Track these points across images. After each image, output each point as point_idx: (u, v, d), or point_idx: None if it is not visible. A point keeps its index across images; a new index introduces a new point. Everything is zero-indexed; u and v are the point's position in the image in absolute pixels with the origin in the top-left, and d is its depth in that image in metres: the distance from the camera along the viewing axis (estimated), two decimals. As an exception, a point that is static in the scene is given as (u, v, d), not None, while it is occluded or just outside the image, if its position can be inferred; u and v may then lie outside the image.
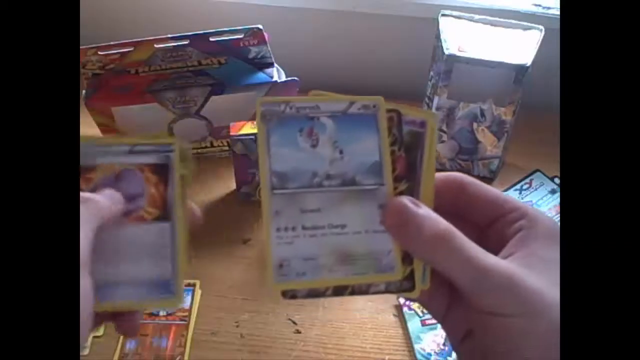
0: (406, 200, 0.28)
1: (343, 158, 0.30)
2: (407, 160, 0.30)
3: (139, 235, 0.32)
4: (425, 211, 0.28)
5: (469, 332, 0.29)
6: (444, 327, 0.31)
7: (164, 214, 0.32)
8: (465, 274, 0.27)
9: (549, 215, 0.64)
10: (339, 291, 0.29)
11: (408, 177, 0.30)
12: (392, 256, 0.29)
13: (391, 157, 0.30)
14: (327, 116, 0.30)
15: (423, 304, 0.31)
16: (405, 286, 0.29)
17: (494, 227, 0.31)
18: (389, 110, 0.30)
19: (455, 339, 0.30)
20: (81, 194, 0.30)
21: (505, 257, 0.28)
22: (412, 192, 0.30)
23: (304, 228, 0.29)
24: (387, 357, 0.53)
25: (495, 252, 0.29)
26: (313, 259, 0.29)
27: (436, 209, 0.30)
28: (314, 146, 0.29)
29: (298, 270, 0.29)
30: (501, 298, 0.27)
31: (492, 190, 0.31)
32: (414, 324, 0.54)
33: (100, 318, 0.30)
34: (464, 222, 0.31)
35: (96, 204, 0.30)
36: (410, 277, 0.29)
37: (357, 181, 0.30)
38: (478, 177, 0.68)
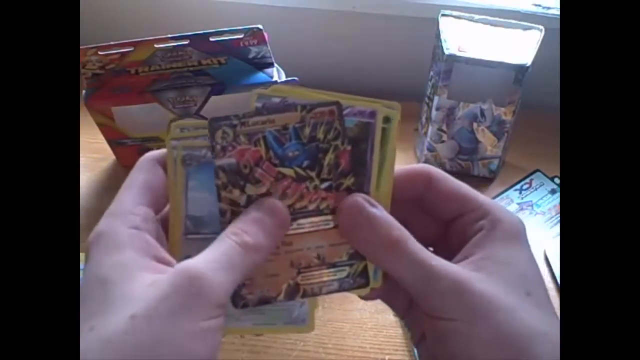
0: (360, 198, 0.28)
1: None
2: (353, 154, 0.29)
3: None
4: (379, 212, 0.28)
5: (424, 334, 0.29)
6: (406, 324, 0.31)
7: None
8: (414, 278, 0.27)
9: (550, 215, 0.64)
10: (291, 294, 0.29)
11: (355, 172, 0.29)
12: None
13: (334, 152, 0.29)
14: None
15: (386, 302, 0.31)
16: (359, 282, 0.29)
17: (456, 224, 0.30)
18: (328, 104, 0.29)
19: (415, 339, 0.30)
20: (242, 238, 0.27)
21: (460, 260, 0.28)
22: (362, 187, 0.29)
23: None
24: (387, 357, 0.53)
25: (456, 251, 0.29)
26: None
27: (401, 203, 0.29)
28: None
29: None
30: (447, 302, 0.26)
31: (459, 185, 0.31)
32: (414, 324, 0.54)
33: None
34: (429, 216, 0.31)
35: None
36: (364, 273, 0.29)
37: None
38: (478, 177, 0.68)
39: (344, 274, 0.29)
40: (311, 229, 0.29)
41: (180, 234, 0.29)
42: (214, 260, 0.26)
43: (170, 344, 0.23)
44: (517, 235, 0.29)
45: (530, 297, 0.27)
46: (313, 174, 0.29)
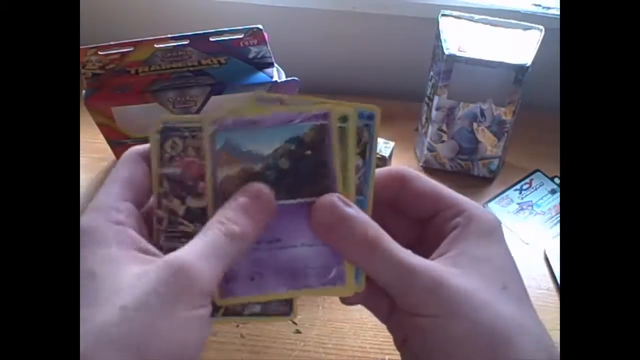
0: (335, 198, 0.28)
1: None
2: (314, 158, 0.29)
3: None
4: (354, 211, 0.28)
5: (406, 336, 0.29)
6: (389, 329, 0.31)
7: None
8: (391, 277, 0.27)
9: (550, 215, 0.64)
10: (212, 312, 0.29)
11: (319, 174, 0.29)
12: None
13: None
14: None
15: (368, 307, 0.32)
16: (282, 310, 0.29)
17: (432, 223, 0.30)
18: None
19: (398, 343, 0.30)
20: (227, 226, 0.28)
21: (436, 257, 0.28)
22: (327, 189, 0.29)
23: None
24: (387, 357, 0.53)
25: (433, 249, 0.29)
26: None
27: (376, 205, 0.29)
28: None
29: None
30: (425, 298, 0.27)
31: (433, 185, 0.31)
32: (414, 324, 0.54)
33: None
34: (405, 217, 0.31)
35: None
36: (288, 302, 0.29)
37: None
38: (478, 177, 0.68)
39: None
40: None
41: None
42: (201, 250, 0.26)
43: (160, 333, 0.24)
44: (493, 231, 0.29)
45: (507, 291, 0.27)
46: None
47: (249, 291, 0.29)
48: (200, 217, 0.29)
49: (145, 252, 0.27)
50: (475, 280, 0.27)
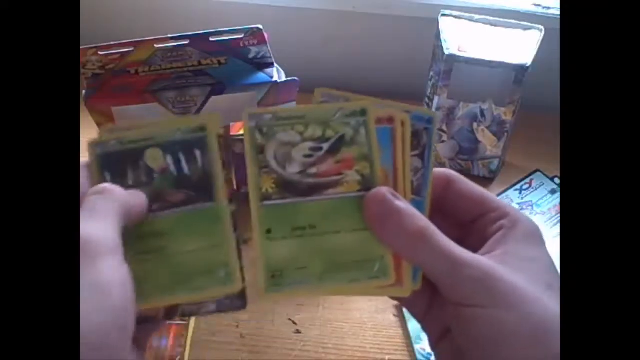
0: (385, 191, 0.29)
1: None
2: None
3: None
4: (404, 204, 0.28)
5: (446, 331, 0.29)
6: (424, 327, 0.31)
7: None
8: (441, 268, 0.28)
9: (550, 215, 0.64)
10: (170, 314, 0.30)
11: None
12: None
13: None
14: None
15: (406, 307, 0.32)
16: (236, 304, 0.30)
17: (476, 225, 0.31)
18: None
19: (434, 339, 0.31)
20: (102, 185, 0.30)
21: (483, 255, 0.29)
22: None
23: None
24: (387, 357, 0.53)
25: (475, 250, 0.29)
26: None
27: None
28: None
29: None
30: (475, 289, 0.27)
31: (477, 188, 0.32)
32: (414, 324, 0.54)
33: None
34: (447, 218, 0.32)
35: (114, 195, 0.29)
36: (242, 295, 0.30)
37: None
38: (478, 177, 0.68)
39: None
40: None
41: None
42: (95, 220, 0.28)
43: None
44: (537, 235, 0.30)
45: (551, 291, 0.28)
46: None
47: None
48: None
49: None
50: (523, 277, 0.28)
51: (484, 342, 0.27)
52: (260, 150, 0.29)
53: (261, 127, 0.29)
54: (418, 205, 0.30)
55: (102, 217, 0.28)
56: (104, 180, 0.31)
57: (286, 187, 0.29)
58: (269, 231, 0.27)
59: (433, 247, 0.28)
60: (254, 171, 0.29)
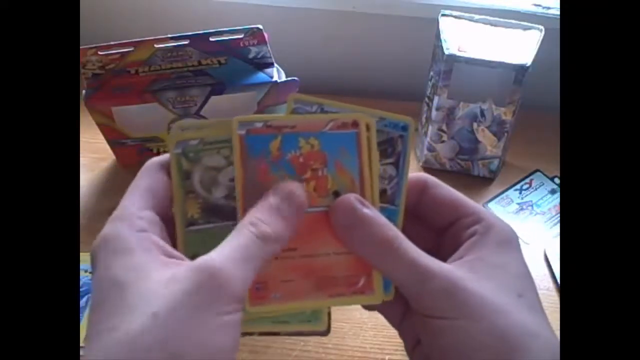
0: (352, 198, 0.28)
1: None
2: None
3: None
4: (372, 212, 0.28)
5: (418, 340, 0.29)
6: (400, 334, 0.31)
7: None
8: (408, 279, 0.27)
9: (550, 215, 0.64)
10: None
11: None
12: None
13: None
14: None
15: (381, 312, 0.32)
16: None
17: (450, 230, 0.31)
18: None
19: (408, 348, 0.31)
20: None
21: (453, 261, 0.28)
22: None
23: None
24: (387, 357, 0.53)
25: (449, 257, 0.29)
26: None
27: None
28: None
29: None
30: (441, 301, 0.27)
31: (454, 193, 0.31)
32: (414, 324, 0.54)
33: None
34: (424, 223, 0.31)
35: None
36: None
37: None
38: (478, 177, 0.68)
39: None
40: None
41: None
42: (232, 254, 0.25)
43: (193, 339, 0.24)
44: (510, 240, 0.29)
45: (522, 299, 0.27)
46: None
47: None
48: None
49: (171, 256, 0.27)
50: (491, 286, 0.27)
51: (450, 354, 0.26)
52: (187, 176, 0.29)
53: (187, 152, 0.29)
54: (391, 214, 0.29)
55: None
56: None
57: (212, 211, 0.29)
58: (194, 257, 0.26)
59: (400, 257, 0.27)
60: (179, 197, 0.29)
